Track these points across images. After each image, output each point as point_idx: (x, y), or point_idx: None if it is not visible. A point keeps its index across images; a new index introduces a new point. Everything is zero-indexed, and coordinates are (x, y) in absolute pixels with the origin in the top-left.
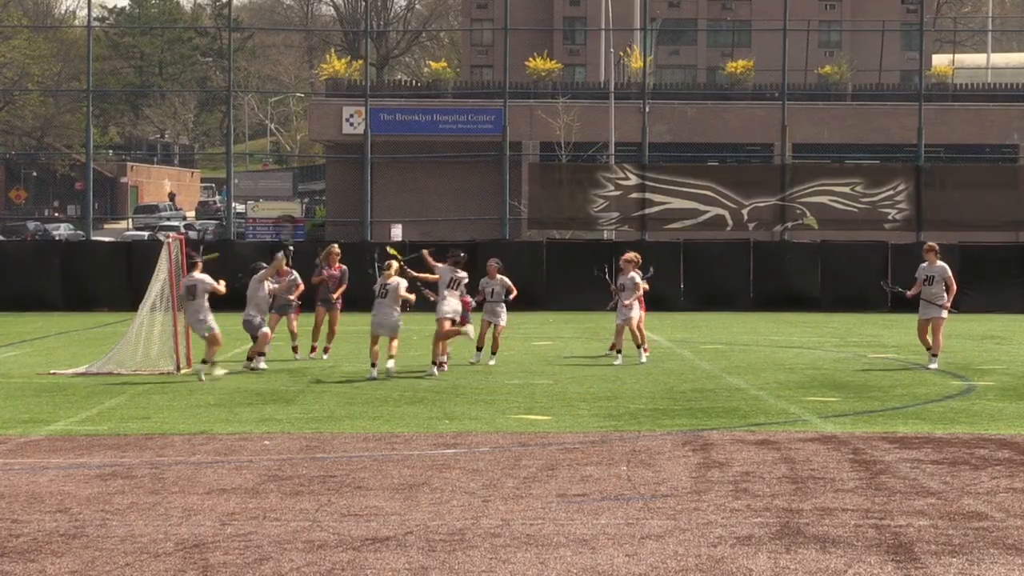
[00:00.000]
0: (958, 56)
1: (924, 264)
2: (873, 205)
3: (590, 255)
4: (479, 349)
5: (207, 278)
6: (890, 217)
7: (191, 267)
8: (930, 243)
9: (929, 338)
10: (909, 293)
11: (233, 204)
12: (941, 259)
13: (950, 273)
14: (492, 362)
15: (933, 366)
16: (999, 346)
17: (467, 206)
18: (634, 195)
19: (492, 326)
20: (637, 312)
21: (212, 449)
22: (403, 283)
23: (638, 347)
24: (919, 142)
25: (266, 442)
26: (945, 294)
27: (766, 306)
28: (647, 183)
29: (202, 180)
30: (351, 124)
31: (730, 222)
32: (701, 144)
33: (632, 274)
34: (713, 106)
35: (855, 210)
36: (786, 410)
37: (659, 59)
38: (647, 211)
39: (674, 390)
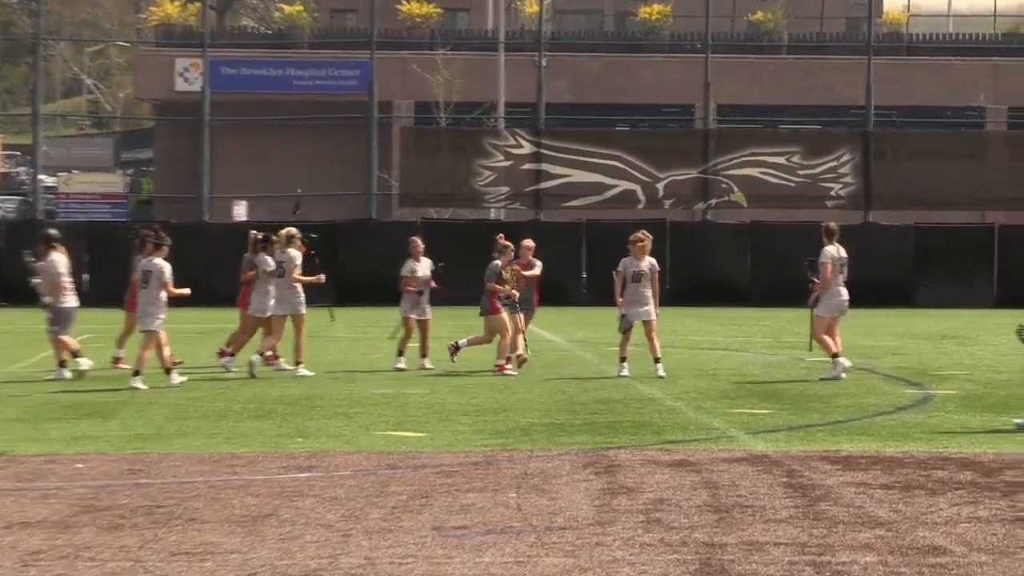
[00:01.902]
0: (914, 1)
1: (831, 248)
2: (813, 179)
3: (475, 238)
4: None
5: (167, 268)
6: (833, 193)
7: (150, 248)
8: (831, 223)
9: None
10: (815, 289)
11: (41, 176)
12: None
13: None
14: (400, 365)
15: (841, 371)
16: (961, 347)
17: (326, 179)
18: (527, 166)
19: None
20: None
21: (12, 474)
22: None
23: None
24: (868, 103)
25: (79, 465)
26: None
27: (685, 299)
28: (543, 152)
29: (3, 147)
30: (186, 80)
31: (642, 199)
32: (608, 105)
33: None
34: (623, 60)
35: (792, 184)
36: (708, 424)
37: (558, 2)
38: (543, 185)
39: (574, 401)
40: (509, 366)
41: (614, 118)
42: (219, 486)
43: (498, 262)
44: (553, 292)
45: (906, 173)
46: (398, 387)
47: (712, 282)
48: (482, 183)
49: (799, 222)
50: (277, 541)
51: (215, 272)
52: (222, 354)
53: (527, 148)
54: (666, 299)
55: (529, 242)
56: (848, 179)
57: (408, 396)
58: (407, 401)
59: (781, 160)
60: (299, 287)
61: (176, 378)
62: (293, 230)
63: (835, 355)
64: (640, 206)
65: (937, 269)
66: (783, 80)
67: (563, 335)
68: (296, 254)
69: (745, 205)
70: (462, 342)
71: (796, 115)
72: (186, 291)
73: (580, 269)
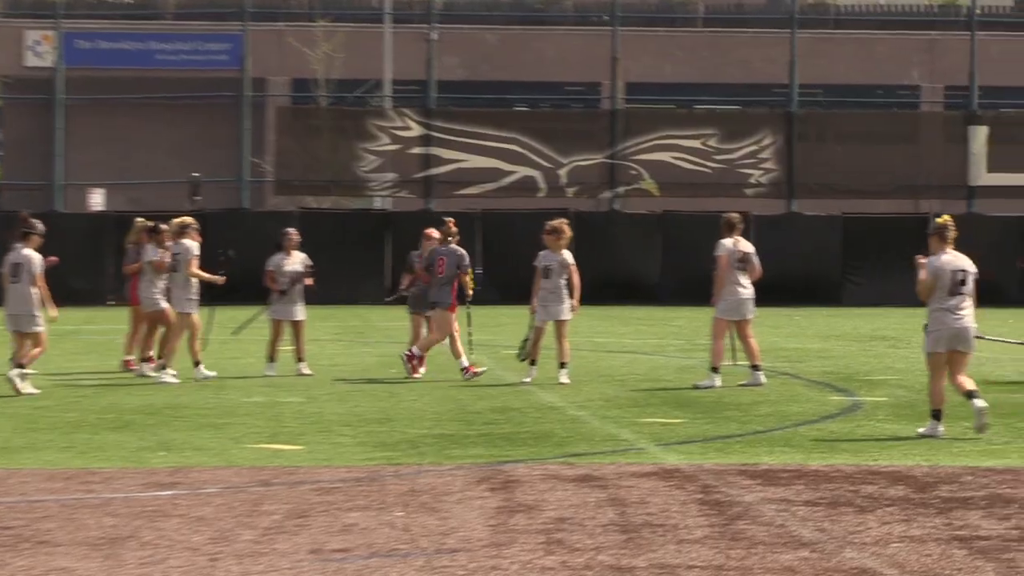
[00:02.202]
0: None
1: (727, 241)
2: (731, 164)
3: (359, 230)
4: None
5: (37, 258)
6: (753, 180)
7: (22, 237)
8: (732, 214)
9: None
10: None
11: None
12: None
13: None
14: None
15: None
16: (893, 350)
17: (194, 165)
18: (416, 150)
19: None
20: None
21: None
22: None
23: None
24: (791, 81)
25: None
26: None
27: (590, 298)
28: (433, 134)
29: None
30: (36, 54)
31: (543, 186)
32: (506, 83)
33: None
34: (522, 33)
35: (707, 171)
36: (615, 435)
37: None
38: (433, 172)
39: (467, 410)
40: (421, 370)
41: (512, 97)
42: (73, 505)
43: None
44: None
45: (833, 158)
46: (272, 395)
47: (620, 278)
48: (366, 169)
49: (716, 212)
50: (138, 566)
51: (70, 268)
52: (148, 361)
53: (416, 130)
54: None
55: (433, 231)
56: (769, 165)
57: (283, 405)
58: (282, 410)
59: (696, 144)
60: (194, 283)
61: (22, 383)
62: (188, 219)
63: (715, 368)
64: (541, 194)
65: (867, 264)
66: (698, 56)
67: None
68: (192, 245)
69: (656, 193)
70: (415, 349)
71: (712, 94)
72: (219, 279)
73: (475, 263)
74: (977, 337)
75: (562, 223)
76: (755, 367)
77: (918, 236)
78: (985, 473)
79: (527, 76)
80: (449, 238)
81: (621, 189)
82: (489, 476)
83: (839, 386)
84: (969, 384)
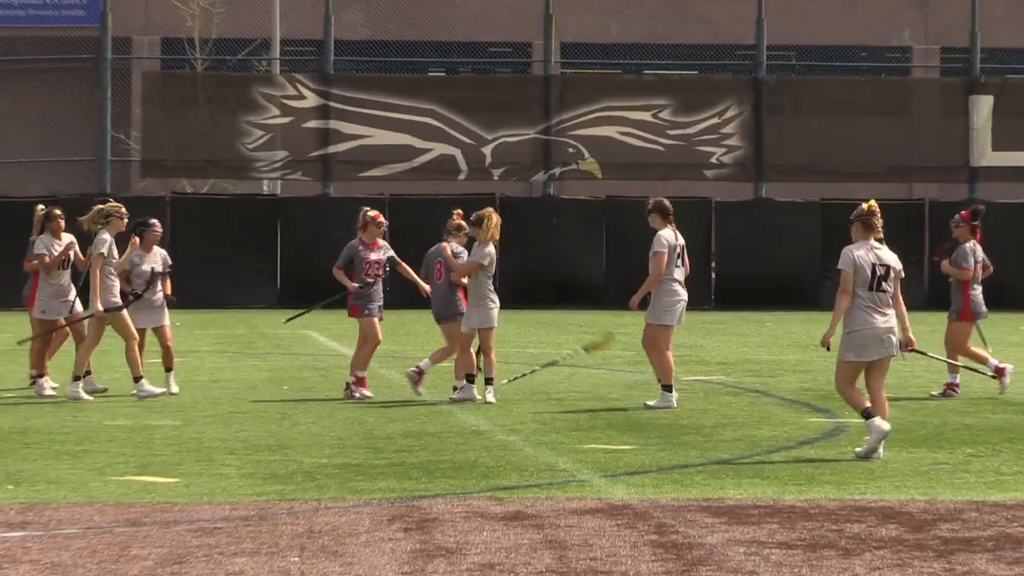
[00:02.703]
0: None
1: (667, 232)
2: (688, 141)
3: (243, 219)
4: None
5: None
6: (714, 160)
7: None
8: (663, 200)
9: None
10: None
11: None
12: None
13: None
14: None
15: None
16: None
17: (45, 141)
18: (312, 124)
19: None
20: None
21: None
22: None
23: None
24: (759, 42)
25: None
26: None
27: (520, 300)
28: (332, 105)
29: None
30: None
31: (464, 167)
32: (419, 44)
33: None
34: None
35: (660, 149)
36: (552, 464)
37: None
38: (332, 149)
39: (375, 434)
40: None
41: (427, 61)
42: None
43: (447, 246)
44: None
45: (809, 133)
46: (140, 417)
47: (556, 277)
48: (252, 146)
49: (670, 198)
50: None
51: None
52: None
53: (311, 100)
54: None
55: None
56: (734, 141)
57: (154, 429)
58: (153, 436)
59: (646, 116)
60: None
61: None
62: (116, 205)
63: (668, 387)
64: (461, 176)
65: None
66: (649, 12)
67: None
68: (106, 239)
69: (599, 175)
70: (424, 364)
71: (666, 57)
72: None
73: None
74: (913, 351)
75: (488, 212)
76: (667, 387)
77: (912, 226)
78: (992, 509)
79: (444, 36)
80: (455, 233)
81: (557, 170)
82: (402, 513)
83: (819, 406)
84: (864, 401)
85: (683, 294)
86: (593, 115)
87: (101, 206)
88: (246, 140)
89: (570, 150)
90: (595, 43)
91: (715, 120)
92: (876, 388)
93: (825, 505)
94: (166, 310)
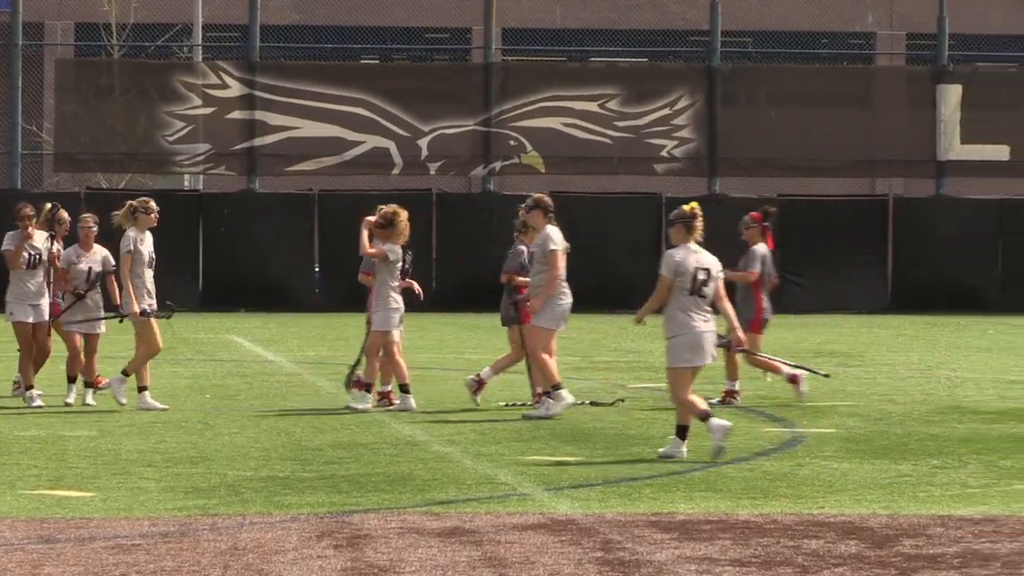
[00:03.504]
0: None
1: (556, 231)
2: (637, 133)
3: (163, 215)
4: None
5: None
6: (665, 153)
7: None
8: (536, 198)
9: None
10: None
11: None
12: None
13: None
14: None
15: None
16: (844, 368)
17: None
18: (236, 114)
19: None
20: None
21: None
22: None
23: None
24: (713, 27)
25: None
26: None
27: (458, 302)
28: (258, 94)
29: None
30: None
31: (399, 161)
32: (351, 29)
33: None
34: None
35: (607, 141)
36: (491, 477)
37: None
38: (258, 142)
39: (303, 446)
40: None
41: (359, 47)
42: None
43: (523, 248)
44: (273, 293)
45: (766, 125)
46: (54, 427)
47: (497, 278)
48: (172, 138)
49: (618, 194)
50: None
51: None
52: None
53: (235, 89)
54: (434, 302)
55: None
56: (686, 133)
57: (68, 440)
58: (67, 447)
59: (592, 107)
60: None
61: None
62: (143, 200)
63: (557, 385)
64: (396, 171)
65: (811, 260)
66: None
67: (287, 353)
68: (132, 236)
69: (542, 170)
70: (484, 373)
71: (614, 44)
72: None
73: (312, 259)
74: (736, 348)
75: (395, 210)
76: (557, 386)
77: (874, 224)
78: (958, 524)
79: (378, 21)
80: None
81: (497, 164)
82: (332, 529)
83: (775, 415)
84: (701, 404)
85: (570, 296)
86: (536, 105)
87: (132, 201)
88: (166, 132)
89: (511, 143)
90: (539, 28)
91: (666, 111)
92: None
93: (781, 520)
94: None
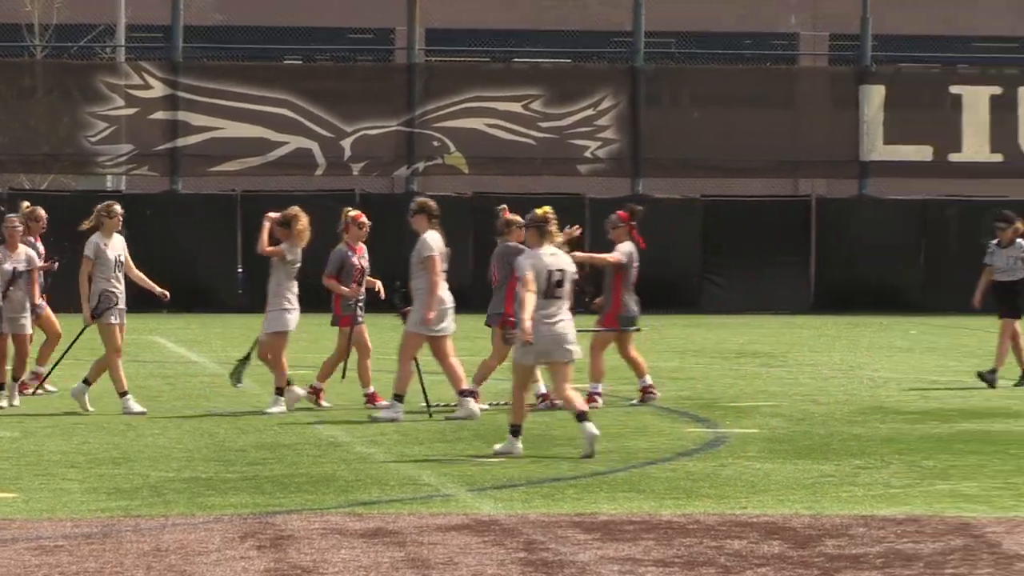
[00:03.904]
0: None
1: (435, 236)
2: (560, 133)
3: (86, 217)
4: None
5: None
6: (589, 154)
7: None
8: (420, 202)
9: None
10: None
11: None
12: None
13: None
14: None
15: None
16: (765, 369)
17: None
18: (159, 115)
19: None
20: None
21: None
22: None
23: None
24: (636, 28)
25: None
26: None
27: (382, 304)
28: (181, 95)
29: None
30: None
31: (322, 161)
32: (274, 30)
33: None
34: None
35: (531, 142)
36: (415, 478)
37: None
38: (181, 143)
39: (226, 447)
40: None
41: (282, 48)
42: None
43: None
44: (196, 293)
45: (690, 125)
46: None
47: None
48: (95, 139)
49: (541, 195)
50: None
51: None
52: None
53: (158, 89)
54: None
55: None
56: (609, 134)
57: None
58: None
59: (516, 108)
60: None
61: None
62: (107, 204)
63: (401, 396)
64: (319, 171)
65: (733, 260)
66: None
67: (210, 353)
68: (93, 242)
69: (466, 170)
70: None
71: (537, 44)
72: None
73: (235, 260)
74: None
75: (298, 212)
76: (464, 393)
77: (797, 225)
78: (881, 524)
79: (301, 21)
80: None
81: (421, 165)
82: (255, 530)
83: (698, 415)
84: (579, 403)
85: (450, 301)
86: (460, 106)
87: (98, 206)
88: (88, 133)
89: (435, 143)
90: (462, 29)
91: (589, 112)
92: (562, 390)
93: (704, 520)
94: (29, 317)
